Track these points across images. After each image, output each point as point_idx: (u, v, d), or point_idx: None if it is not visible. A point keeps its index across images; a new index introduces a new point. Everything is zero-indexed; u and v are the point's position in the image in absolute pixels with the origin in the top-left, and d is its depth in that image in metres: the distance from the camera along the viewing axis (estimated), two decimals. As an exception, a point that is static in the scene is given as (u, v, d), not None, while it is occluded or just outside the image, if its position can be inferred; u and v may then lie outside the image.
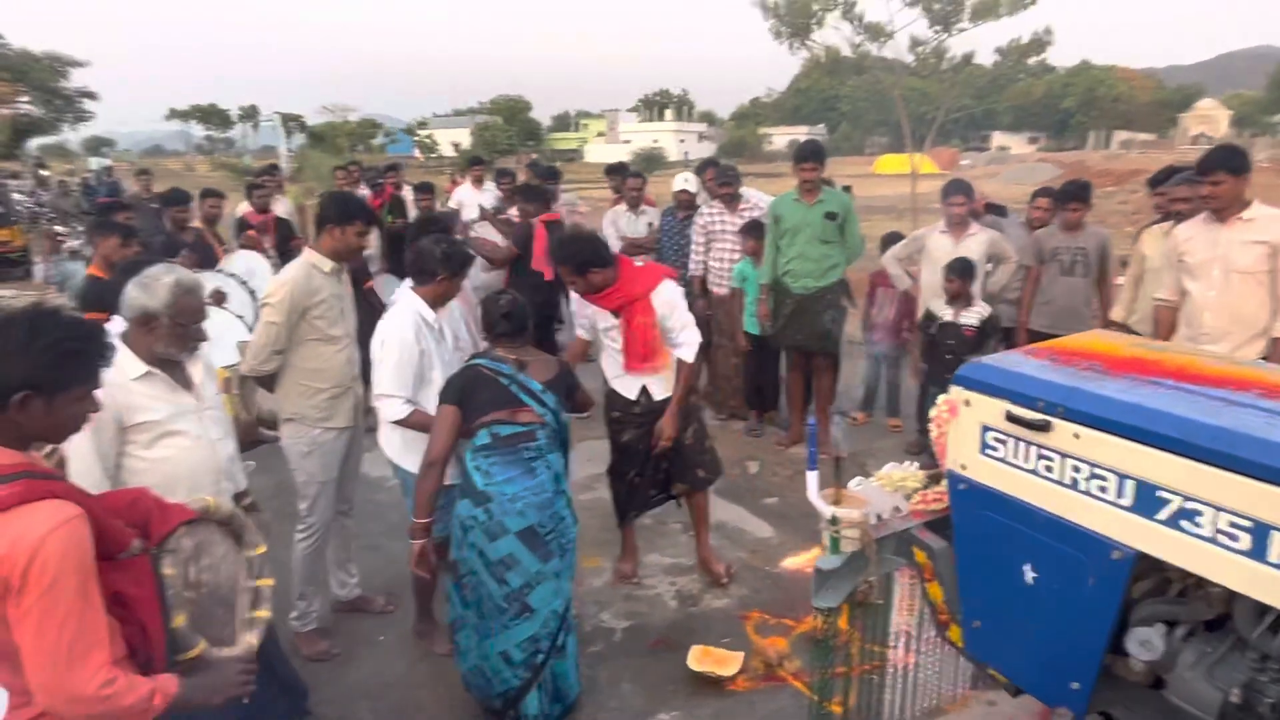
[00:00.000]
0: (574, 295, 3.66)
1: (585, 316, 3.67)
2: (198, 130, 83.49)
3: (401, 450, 3.15)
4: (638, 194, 6.62)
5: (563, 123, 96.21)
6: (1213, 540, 1.46)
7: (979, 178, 22.60)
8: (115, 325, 2.43)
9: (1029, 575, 1.80)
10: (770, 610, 3.59)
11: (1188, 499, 1.49)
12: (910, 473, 2.32)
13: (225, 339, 4.20)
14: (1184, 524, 1.50)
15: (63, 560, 1.38)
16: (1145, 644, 1.65)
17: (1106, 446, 1.61)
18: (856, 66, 13.48)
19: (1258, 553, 1.40)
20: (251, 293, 5.13)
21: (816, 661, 2.34)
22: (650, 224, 6.51)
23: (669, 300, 3.46)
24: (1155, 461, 1.53)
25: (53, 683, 1.39)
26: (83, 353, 1.56)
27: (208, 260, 5.54)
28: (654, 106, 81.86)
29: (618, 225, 6.60)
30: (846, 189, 5.92)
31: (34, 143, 44.15)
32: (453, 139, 63.80)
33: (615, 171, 7.25)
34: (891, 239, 5.77)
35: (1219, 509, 1.45)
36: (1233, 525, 1.43)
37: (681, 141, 68.74)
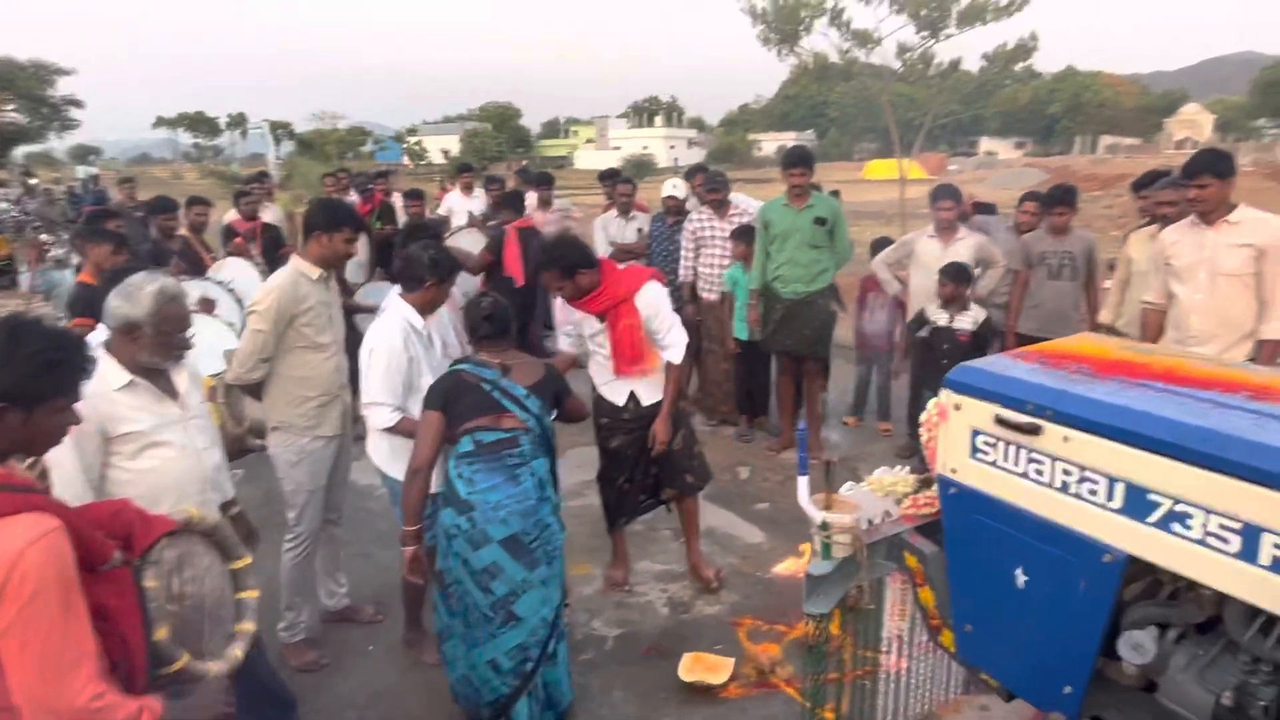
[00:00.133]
0: (558, 305, 3.64)
1: (570, 324, 3.64)
2: (185, 138, 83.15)
3: (390, 458, 3.12)
4: (628, 200, 6.64)
5: (552, 129, 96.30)
6: (1202, 542, 1.46)
7: (967, 183, 22.70)
8: (99, 334, 2.40)
9: (1020, 579, 1.79)
10: (762, 616, 3.58)
11: (1177, 501, 1.49)
12: (901, 477, 2.32)
13: (215, 347, 4.17)
14: (1174, 526, 1.50)
15: (42, 573, 1.35)
16: (1137, 647, 1.64)
17: (1096, 449, 1.61)
18: (844, 73, 13.52)
19: (1247, 555, 1.40)
20: (239, 301, 5.09)
21: (808, 667, 2.33)
22: (640, 229, 6.52)
23: (653, 301, 3.44)
24: (1145, 464, 1.53)
25: (41, 697, 1.36)
26: (64, 364, 1.54)
27: (196, 268, 5.51)
28: (643, 113, 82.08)
29: (608, 231, 6.61)
30: (835, 194, 5.95)
31: (19, 151, 43.86)
32: (442, 146, 63.73)
33: (609, 177, 7.26)
34: (881, 244, 5.79)
35: (1208, 511, 1.45)
36: (1222, 527, 1.43)
37: (671, 148, 68.91)
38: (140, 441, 2.28)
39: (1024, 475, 1.75)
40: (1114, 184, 22.31)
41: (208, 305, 4.78)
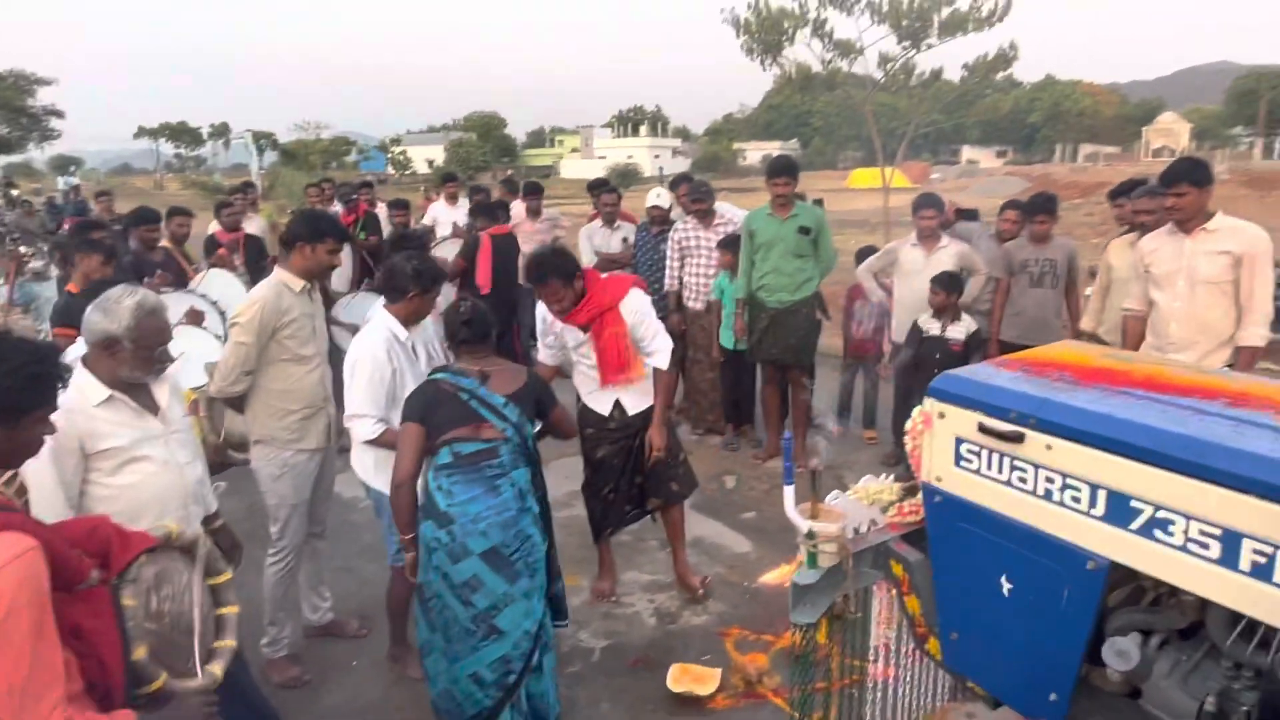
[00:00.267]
0: (539, 316, 3.60)
1: (554, 336, 3.62)
2: (167, 148, 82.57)
3: (374, 470, 3.10)
4: (613, 209, 6.65)
5: (537, 139, 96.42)
6: (1184, 549, 1.47)
7: (949, 191, 22.94)
8: (79, 347, 2.37)
9: (1005, 587, 1.80)
10: (750, 626, 3.57)
11: (1159, 508, 1.50)
12: (886, 485, 2.32)
13: (203, 359, 4.13)
14: (1156, 533, 1.51)
15: (15, 595, 1.33)
16: (1121, 654, 1.65)
17: (1078, 457, 1.62)
18: (828, 82, 13.60)
19: (1228, 560, 1.41)
20: (221, 313, 5.05)
21: (796, 677, 2.32)
22: (625, 239, 6.53)
23: (637, 309, 3.44)
24: (1126, 471, 1.54)
25: None
26: (45, 375, 1.56)
27: (179, 280, 5.46)
28: (628, 122, 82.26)
29: (593, 240, 6.62)
30: (818, 203, 5.99)
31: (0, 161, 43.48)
32: (427, 156, 63.65)
33: (597, 187, 7.28)
34: (866, 252, 5.82)
35: (1189, 517, 1.46)
36: (1203, 533, 1.44)
37: (656, 157, 69.12)
38: (120, 457, 2.25)
39: (1007, 483, 1.76)
40: (1094, 192, 22.59)
41: (196, 317, 4.75)
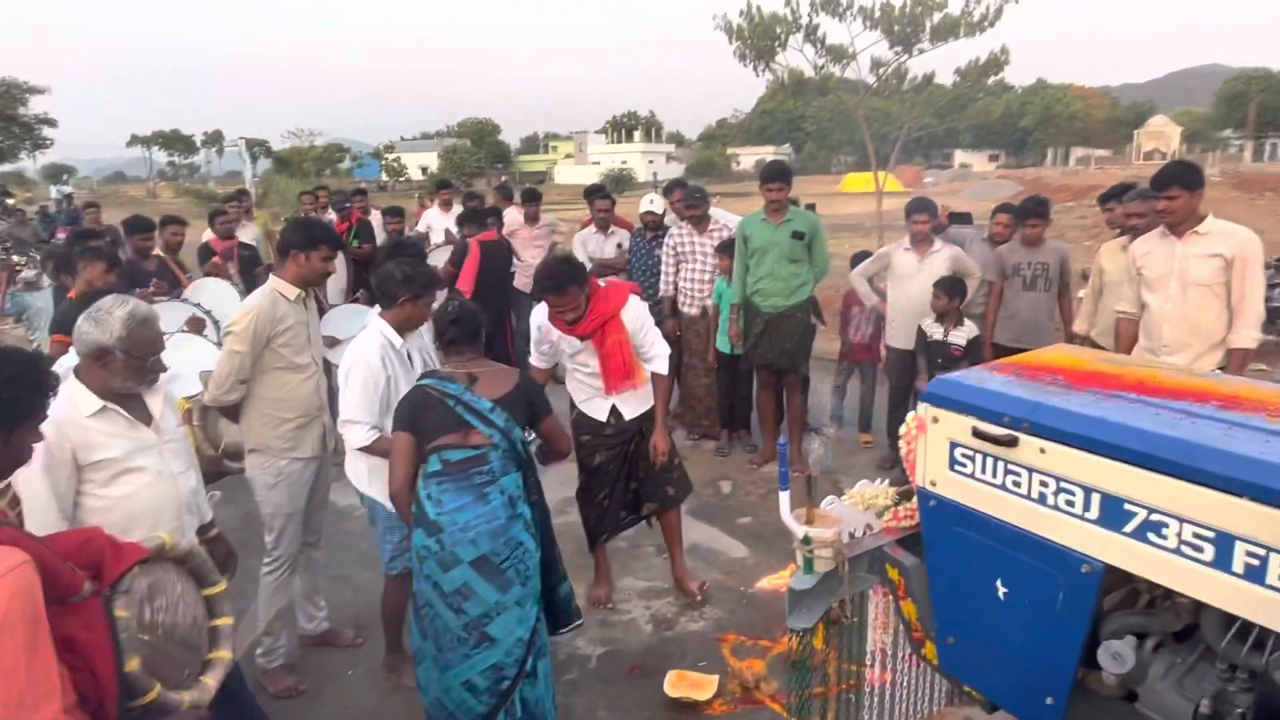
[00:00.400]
0: (534, 323, 3.59)
1: (549, 344, 3.61)
2: (161, 156, 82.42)
3: (367, 478, 3.09)
4: (606, 215, 6.65)
5: (531, 145, 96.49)
6: (1177, 551, 1.48)
7: (943, 195, 23.03)
8: (70, 358, 2.36)
9: (1000, 590, 1.80)
10: (746, 632, 3.57)
11: (1152, 511, 1.51)
12: (882, 490, 2.33)
13: (201, 367, 4.12)
14: (1150, 536, 1.51)
15: (8, 610, 1.32)
16: (1116, 657, 1.65)
17: (1072, 460, 1.62)
18: (820, 88, 13.64)
19: (1221, 563, 1.42)
20: (215, 322, 5.04)
21: (793, 682, 2.32)
22: (619, 245, 6.54)
23: (637, 315, 3.47)
24: (1119, 474, 1.55)
25: None
26: (40, 384, 1.58)
27: (175, 289, 5.45)
28: (622, 128, 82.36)
29: (586, 247, 6.63)
30: (810, 207, 6.00)
31: (-8, 170, 43.43)
32: (420, 162, 63.65)
33: (593, 193, 7.29)
34: (860, 257, 5.84)
35: (1182, 520, 1.46)
36: (1196, 536, 1.45)
37: (650, 163, 69.19)
38: (114, 468, 2.24)
39: (1002, 487, 1.76)
40: (1086, 195, 22.67)
41: (197, 325, 4.75)
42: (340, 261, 6.66)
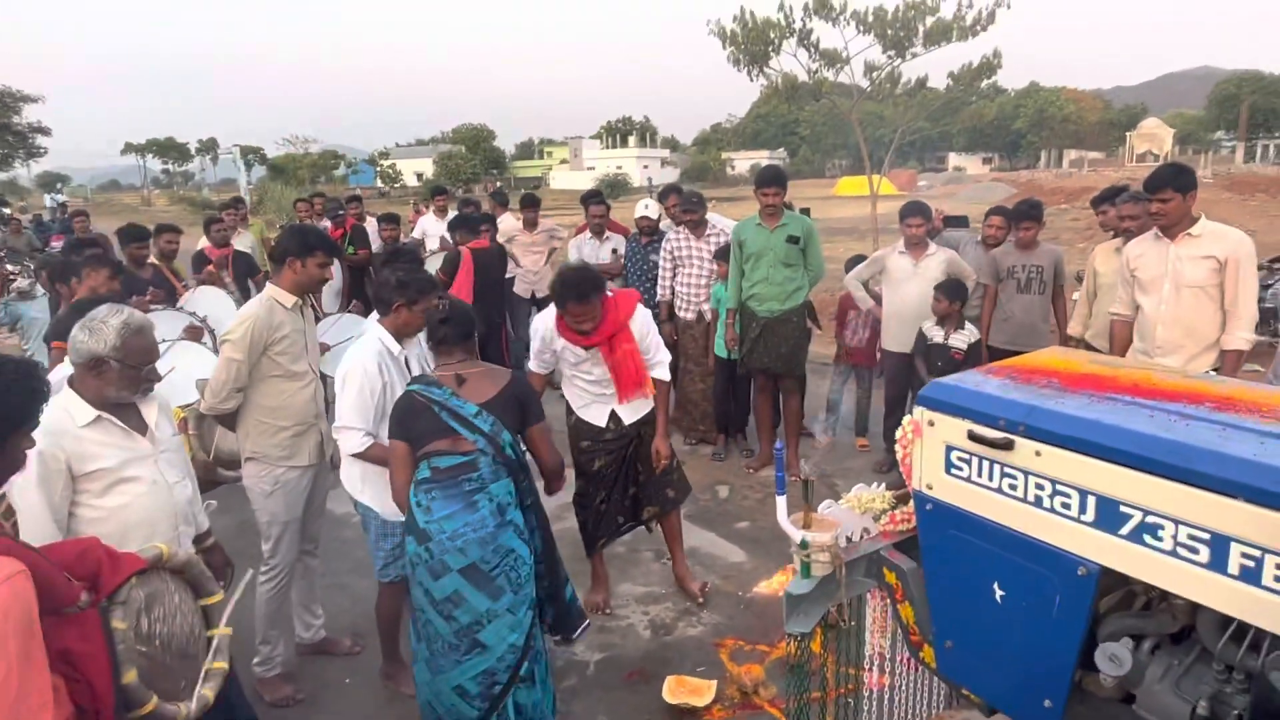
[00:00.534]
0: (539, 336, 3.58)
1: (551, 353, 3.60)
2: (155, 164, 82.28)
3: (361, 485, 3.08)
4: (601, 221, 6.67)
5: (526, 150, 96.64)
6: (1173, 553, 1.48)
7: (937, 198, 23.08)
8: (65, 367, 2.36)
9: (998, 594, 1.80)
10: (745, 636, 3.57)
11: (1148, 513, 1.51)
12: (878, 494, 2.33)
13: (198, 375, 4.11)
14: (1146, 538, 1.52)
15: (3, 621, 1.32)
16: (1113, 659, 1.65)
17: (1068, 463, 1.63)
18: (814, 92, 13.66)
19: (1217, 564, 1.42)
20: (211, 330, 5.03)
21: (791, 687, 2.32)
22: (615, 250, 6.55)
23: (644, 322, 3.51)
24: (1115, 477, 1.55)
25: None
26: (36, 391, 1.60)
27: (170, 297, 5.44)
28: (617, 133, 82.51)
29: (582, 252, 6.64)
30: (805, 211, 6.01)
31: (-14, 179, 43.34)
32: (416, 169, 63.67)
33: (590, 199, 7.30)
34: (856, 261, 5.85)
35: (1178, 522, 1.47)
36: (1191, 538, 1.45)
37: (645, 167, 69.32)
38: (109, 478, 2.24)
39: (998, 490, 1.77)
40: (1079, 197, 22.78)
41: (195, 333, 4.74)
42: (335, 268, 6.66)
